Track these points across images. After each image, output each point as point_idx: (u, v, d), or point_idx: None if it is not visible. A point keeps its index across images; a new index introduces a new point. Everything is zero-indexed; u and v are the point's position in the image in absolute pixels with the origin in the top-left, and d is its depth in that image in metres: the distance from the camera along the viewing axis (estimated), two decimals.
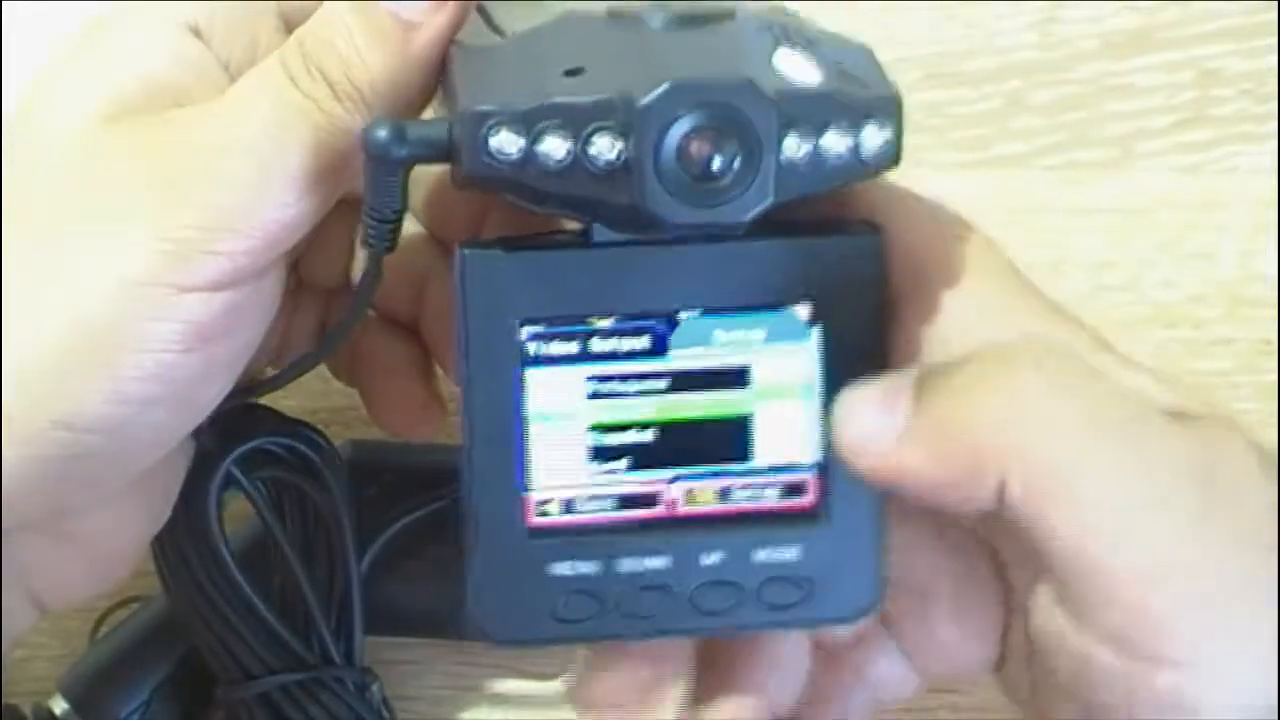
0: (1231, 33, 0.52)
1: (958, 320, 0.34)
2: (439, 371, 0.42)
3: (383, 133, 0.31)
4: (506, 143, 0.30)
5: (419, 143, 0.31)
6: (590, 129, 0.30)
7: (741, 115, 0.30)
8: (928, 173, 0.53)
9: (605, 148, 0.30)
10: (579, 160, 0.30)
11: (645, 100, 0.30)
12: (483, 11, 0.34)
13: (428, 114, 0.35)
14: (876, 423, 0.32)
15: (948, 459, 0.31)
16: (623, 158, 0.30)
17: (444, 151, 0.31)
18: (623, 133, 0.30)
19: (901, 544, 0.36)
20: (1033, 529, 0.31)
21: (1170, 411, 0.31)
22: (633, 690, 0.36)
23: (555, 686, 0.50)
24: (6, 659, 0.38)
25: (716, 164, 0.30)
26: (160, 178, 0.33)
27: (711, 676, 0.38)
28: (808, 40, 0.33)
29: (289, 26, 0.37)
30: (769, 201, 0.31)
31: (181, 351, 0.33)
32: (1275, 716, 0.29)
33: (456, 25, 0.33)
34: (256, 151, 0.33)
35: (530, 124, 0.30)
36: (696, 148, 0.30)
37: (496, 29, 0.34)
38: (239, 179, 0.33)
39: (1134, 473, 0.30)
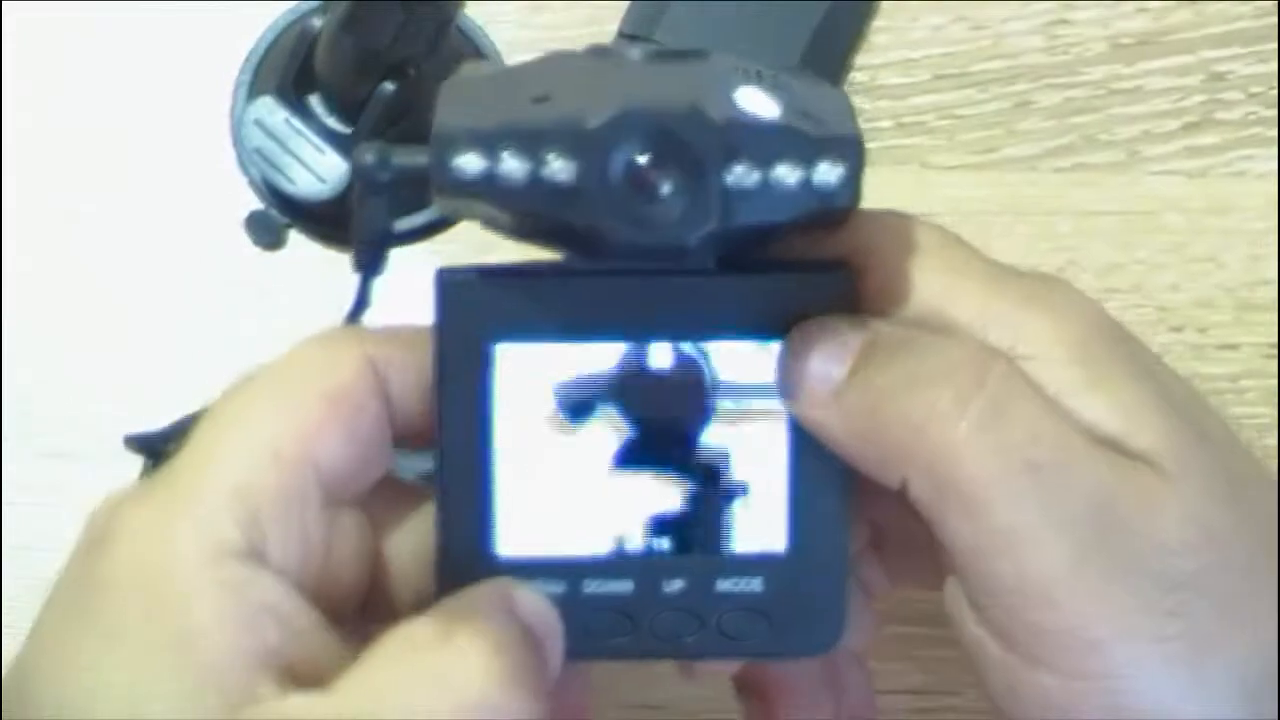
0: (1240, 36, 0.52)
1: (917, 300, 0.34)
2: None
3: (369, 157, 0.34)
4: (469, 162, 0.32)
5: (400, 167, 0.34)
6: (545, 151, 0.31)
7: (684, 141, 0.31)
8: (936, 174, 0.53)
9: (559, 169, 0.31)
10: (537, 180, 0.31)
11: (592, 125, 0.31)
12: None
13: None
14: (819, 369, 0.33)
15: (861, 439, 0.33)
16: (574, 180, 0.31)
17: (424, 174, 0.33)
18: (574, 155, 0.31)
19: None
20: (933, 525, 0.32)
21: (1104, 439, 0.32)
22: None
23: None
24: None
25: (662, 189, 0.31)
26: None
27: (756, 705, 0.39)
28: (778, 83, 0.33)
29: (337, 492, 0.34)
30: (712, 224, 0.31)
31: None
32: None
33: None
34: None
35: (490, 145, 0.32)
36: (642, 172, 0.31)
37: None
38: None
39: (1034, 501, 0.31)
